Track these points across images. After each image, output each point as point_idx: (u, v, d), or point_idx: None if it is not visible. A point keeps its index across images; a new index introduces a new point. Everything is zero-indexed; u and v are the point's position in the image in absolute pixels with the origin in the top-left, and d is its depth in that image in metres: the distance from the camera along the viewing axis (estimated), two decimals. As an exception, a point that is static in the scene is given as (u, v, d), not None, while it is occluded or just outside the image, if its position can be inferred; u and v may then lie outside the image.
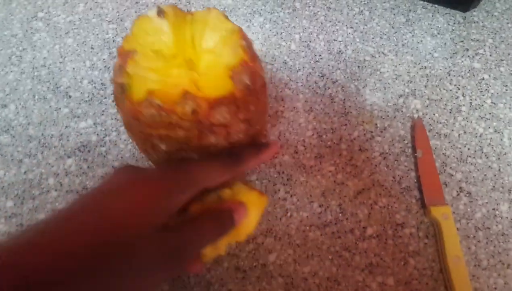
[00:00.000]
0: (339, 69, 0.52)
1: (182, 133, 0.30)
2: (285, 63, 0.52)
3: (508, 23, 0.57)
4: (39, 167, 0.44)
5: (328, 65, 0.53)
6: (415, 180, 0.47)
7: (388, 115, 0.50)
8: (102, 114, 0.48)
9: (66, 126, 0.47)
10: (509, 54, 0.55)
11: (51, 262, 0.23)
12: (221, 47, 0.32)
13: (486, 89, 0.53)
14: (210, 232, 0.30)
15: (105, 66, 0.50)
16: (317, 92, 0.51)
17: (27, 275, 0.22)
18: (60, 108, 0.48)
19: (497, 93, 0.52)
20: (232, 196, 0.34)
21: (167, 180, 0.29)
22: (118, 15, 0.54)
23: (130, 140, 0.46)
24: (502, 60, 0.55)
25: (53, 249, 0.23)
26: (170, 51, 0.32)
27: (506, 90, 0.53)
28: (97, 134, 0.46)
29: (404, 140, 0.49)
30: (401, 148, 0.48)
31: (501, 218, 0.46)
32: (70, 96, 0.48)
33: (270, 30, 0.55)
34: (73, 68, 0.50)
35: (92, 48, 0.52)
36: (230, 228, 0.31)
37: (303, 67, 0.52)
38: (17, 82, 0.49)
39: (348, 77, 0.52)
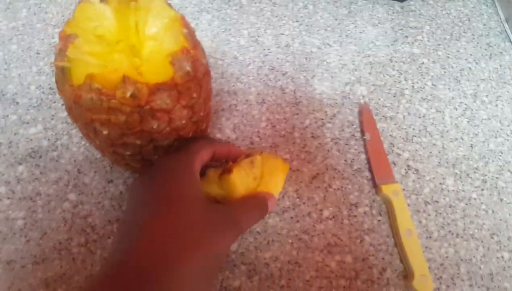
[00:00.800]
0: (288, 61, 0.55)
1: (123, 118, 0.31)
2: (236, 58, 0.54)
3: (442, 10, 0.62)
4: (-11, 176, 0.44)
5: (277, 58, 0.55)
6: (366, 162, 0.50)
7: (336, 103, 0.53)
8: (52, 119, 0.48)
9: (15, 133, 0.46)
10: (445, 39, 0.60)
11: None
12: (163, 34, 0.34)
13: (426, 73, 0.57)
14: (256, 216, 0.37)
15: (53, 71, 0.51)
16: (268, 85, 0.53)
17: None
18: (7, 116, 0.47)
19: (437, 75, 0.57)
20: (262, 161, 0.39)
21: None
22: (63, 19, 0.55)
23: (83, 142, 0.47)
24: (439, 44, 0.59)
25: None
26: (113, 36, 0.34)
27: (445, 72, 0.57)
28: (48, 139, 0.47)
29: (353, 125, 0.52)
30: (350, 132, 0.51)
31: (448, 191, 0.49)
32: (17, 103, 0.48)
33: (218, 27, 0.57)
34: (19, 74, 0.50)
35: (38, 53, 0.52)
36: (265, 213, 0.38)
37: (253, 61, 0.55)
38: (-40, 92, 0.48)
39: (296, 69, 0.55)
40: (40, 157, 0.46)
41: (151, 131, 0.34)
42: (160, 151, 0.37)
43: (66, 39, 0.32)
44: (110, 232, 0.43)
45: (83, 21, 0.34)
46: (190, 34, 0.34)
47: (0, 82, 0.50)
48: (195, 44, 0.34)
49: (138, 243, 0.29)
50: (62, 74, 0.32)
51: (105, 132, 0.33)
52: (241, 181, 0.36)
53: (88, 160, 0.46)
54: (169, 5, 0.35)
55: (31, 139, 0.47)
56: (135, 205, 0.33)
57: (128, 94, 0.30)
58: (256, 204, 0.37)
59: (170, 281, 0.28)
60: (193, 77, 0.34)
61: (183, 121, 0.35)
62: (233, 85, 0.53)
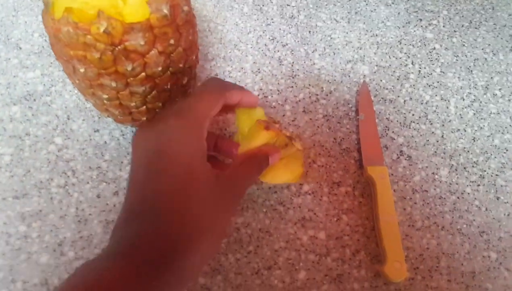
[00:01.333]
0: (290, 33, 0.55)
1: (97, 55, 0.32)
2: (237, 25, 0.55)
3: (464, -4, 0.59)
4: (-15, 113, 0.47)
5: (280, 29, 0.55)
6: (356, 142, 0.49)
7: (335, 80, 0.52)
8: (50, 66, 0.50)
9: (14, 76, 0.49)
10: (462, 26, 0.57)
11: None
12: None
13: (436, 59, 0.55)
14: (255, 172, 0.37)
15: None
16: (266, 55, 0.53)
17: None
18: (9, 59, 0.50)
19: (447, 63, 0.54)
20: (291, 155, 0.40)
21: (181, 119, 0.32)
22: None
23: (76, 91, 0.48)
24: (455, 31, 0.57)
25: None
26: None
27: (457, 60, 0.55)
28: (44, 84, 0.49)
29: (348, 104, 0.51)
30: (344, 111, 0.50)
31: (440, 182, 0.48)
32: (20, 48, 0.51)
33: (224, -8, 0.57)
34: (25, 22, 0.53)
35: (46, 3, 0.54)
36: (265, 167, 0.38)
37: (254, 29, 0.55)
38: (-31, 32, 0.51)
39: (298, 41, 0.54)
40: (34, 100, 0.48)
41: (125, 73, 0.35)
42: (137, 97, 0.38)
43: None
44: (90, 177, 0.45)
45: None
46: None
47: (7, 27, 0.52)
48: None
49: (152, 227, 0.29)
50: (47, 9, 0.34)
51: (81, 70, 0.35)
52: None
53: (78, 107, 0.48)
54: None
55: (28, 83, 0.49)
56: (144, 168, 0.32)
57: (101, 30, 0.31)
58: (258, 167, 0.37)
59: (183, 266, 0.29)
60: (171, 22, 0.34)
61: (159, 68, 0.36)
62: (230, 52, 0.53)
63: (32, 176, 0.45)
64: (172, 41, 0.35)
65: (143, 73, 0.35)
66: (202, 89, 0.35)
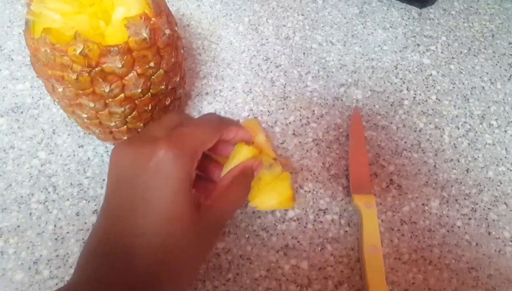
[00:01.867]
0: (284, 54, 0.54)
1: (74, 76, 0.31)
2: (231, 44, 0.54)
3: (464, 22, 0.59)
4: (-29, 123, 0.47)
5: (274, 49, 0.54)
6: (345, 168, 0.48)
7: (327, 103, 0.51)
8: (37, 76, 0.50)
9: (4, 87, 0.49)
10: (461, 53, 0.56)
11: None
12: (130, 1, 0.34)
13: (432, 85, 0.54)
14: (242, 193, 0.36)
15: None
16: (258, 75, 0.52)
17: None
18: (0, 70, 0.50)
19: (444, 90, 0.53)
20: (277, 178, 0.40)
21: (171, 149, 0.29)
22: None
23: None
24: (453, 58, 0.56)
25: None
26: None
27: (453, 87, 0.54)
28: (32, 97, 0.49)
29: (339, 128, 0.50)
30: (335, 135, 0.49)
31: (430, 213, 0.46)
32: (12, 59, 0.51)
33: (220, 10, 0.57)
34: (19, 33, 0.53)
35: (40, 15, 0.54)
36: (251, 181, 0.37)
37: (248, 49, 0.54)
38: (-37, 42, 0.51)
39: (292, 63, 0.54)
40: (22, 112, 0.48)
41: (103, 94, 0.34)
42: (116, 117, 0.38)
43: None
44: (70, 194, 0.44)
45: None
46: (155, 2, 0.34)
47: (1, 38, 0.53)
48: (159, 12, 0.34)
49: (132, 262, 0.28)
50: (27, 27, 0.34)
51: (59, 89, 0.35)
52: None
53: (64, 122, 0.48)
54: None
55: (17, 95, 0.49)
56: (121, 195, 0.30)
57: (78, 52, 0.31)
58: (245, 185, 0.36)
59: None
60: (151, 45, 0.34)
61: (139, 90, 0.36)
62: (222, 71, 0.53)
63: (13, 190, 0.44)
64: (152, 64, 0.35)
65: (122, 95, 0.35)
66: (199, 121, 0.33)
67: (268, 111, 0.51)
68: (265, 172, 0.40)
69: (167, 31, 0.35)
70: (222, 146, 0.37)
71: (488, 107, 0.53)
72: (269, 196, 0.41)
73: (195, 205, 0.30)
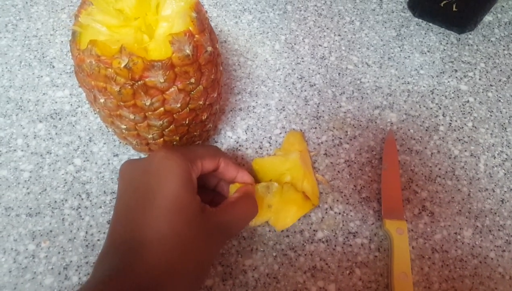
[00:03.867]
0: (319, 73, 0.54)
1: (117, 88, 0.32)
2: (266, 61, 0.55)
3: (504, 50, 0.58)
4: (12, 127, 0.48)
5: (309, 68, 0.55)
6: (377, 192, 0.47)
7: (360, 125, 0.51)
8: (79, 87, 0.51)
9: (44, 93, 0.50)
10: (499, 81, 0.55)
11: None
12: (175, 17, 0.35)
13: (469, 112, 0.53)
14: (247, 212, 0.38)
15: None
16: (292, 93, 0.53)
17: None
18: (42, 76, 0.52)
19: (480, 117, 0.52)
20: (281, 192, 0.43)
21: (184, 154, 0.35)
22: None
23: (100, 113, 0.49)
24: (491, 85, 0.55)
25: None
26: (131, 13, 0.36)
27: (491, 115, 0.53)
28: (71, 104, 0.50)
29: (372, 151, 0.50)
30: (368, 158, 0.49)
31: (462, 243, 0.45)
32: (53, 66, 0.53)
33: (257, 28, 0.57)
34: (62, 41, 0.54)
35: (83, 25, 0.56)
36: (256, 212, 0.39)
37: (283, 67, 0.54)
38: (8, 48, 0.54)
39: (327, 82, 0.54)
40: (60, 119, 0.49)
41: (144, 107, 0.35)
42: (154, 130, 0.38)
43: (82, 5, 0.34)
44: (103, 202, 0.45)
45: None
46: (199, 19, 0.35)
47: (43, 46, 0.54)
48: (203, 30, 0.35)
49: (137, 261, 0.30)
50: (73, 38, 0.35)
51: (101, 100, 0.35)
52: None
53: (101, 130, 0.49)
54: None
55: (56, 102, 0.50)
56: (129, 198, 0.34)
57: (122, 65, 0.32)
58: (247, 206, 0.38)
59: None
60: (193, 61, 0.34)
61: (178, 105, 0.36)
62: (256, 87, 0.53)
63: (48, 194, 0.45)
64: (193, 80, 0.35)
65: (162, 108, 0.36)
66: (200, 145, 0.39)
67: (301, 130, 0.51)
68: (269, 195, 0.43)
69: (209, 48, 0.36)
70: (226, 188, 0.42)
71: (527, 137, 0.52)
72: (285, 210, 0.44)
73: (199, 204, 0.34)
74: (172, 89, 0.35)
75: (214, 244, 0.35)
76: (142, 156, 0.48)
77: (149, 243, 0.30)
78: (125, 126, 0.38)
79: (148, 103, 0.35)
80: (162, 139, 0.40)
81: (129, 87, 0.33)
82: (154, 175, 0.33)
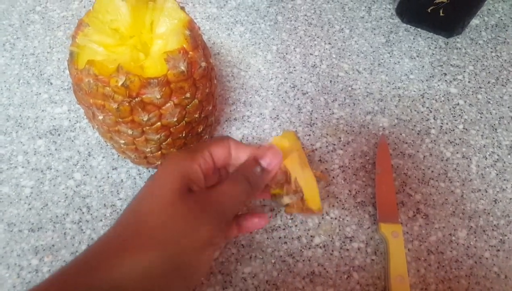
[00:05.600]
0: (311, 82, 0.55)
1: (115, 105, 0.33)
2: (259, 71, 0.56)
3: (492, 52, 0.59)
4: (12, 144, 0.49)
5: (301, 77, 0.56)
6: (372, 196, 0.48)
7: (353, 131, 0.52)
8: (77, 103, 0.52)
9: (43, 110, 0.52)
10: (488, 82, 0.57)
11: None
12: (169, 34, 0.36)
13: (459, 115, 0.54)
14: (241, 192, 0.33)
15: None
16: (285, 102, 0.54)
17: None
18: (40, 93, 0.53)
19: (471, 119, 0.54)
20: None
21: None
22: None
23: (98, 128, 0.50)
24: (480, 87, 0.56)
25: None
26: (127, 31, 0.37)
27: (481, 117, 0.54)
28: (69, 120, 0.51)
29: (366, 156, 0.51)
30: (361, 163, 0.50)
31: (457, 244, 0.46)
32: (51, 83, 0.54)
33: (249, 39, 0.59)
34: (59, 59, 0.56)
35: (79, 42, 0.57)
36: (262, 175, 0.34)
37: (276, 77, 0.56)
38: (6, 66, 0.55)
39: (319, 90, 0.55)
40: (59, 134, 0.51)
41: (141, 123, 0.36)
42: (152, 144, 0.39)
43: (78, 27, 0.36)
44: (103, 215, 0.46)
45: (102, 13, 0.37)
46: (193, 37, 0.36)
47: (41, 63, 0.56)
48: (196, 46, 0.36)
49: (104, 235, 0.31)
50: (71, 58, 0.36)
51: (100, 117, 0.36)
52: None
53: (99, 145, 0.50)
54: (182, 8, 0.38)
55: (55, 118, 0.52)
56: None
57: (120, 83, 0.33)
58: (235, 186, 0.34)
59: (118, 270, 0.28)
60: (188, 77, 0.36)
61: (174, 119, 0.37)
62: (250, 97, 0.54)
63: (49, 209, 0.46)
64: (188, 95, 0.36)
65: (159, 123, 0.37)
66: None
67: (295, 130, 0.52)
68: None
69: (203, 64, 0.37)
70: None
71: (517, 137, 0.53)
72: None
73: (179, 188, 0.32)
74: (168, 104, 0.36)
75: (201, 226, 0.31)
76: (141, 169, 0.49)
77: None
78: (123, 141, 0.39)
79: (145, 118, 0.36)
80: (160, 152, 0.41)
81: (127, 104, 0.34)
82: (148, 185, 0.33)
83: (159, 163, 0.43)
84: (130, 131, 0.37)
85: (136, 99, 0.34)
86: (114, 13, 0.37)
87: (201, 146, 0.35)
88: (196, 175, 0.33)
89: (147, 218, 0.31)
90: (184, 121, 0.39)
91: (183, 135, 0.40)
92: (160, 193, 0.32)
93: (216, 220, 0.32)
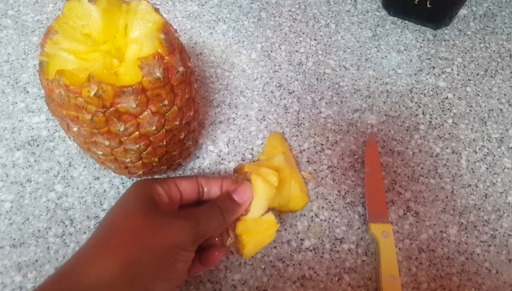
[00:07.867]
0: (297, 80, 0.55)
1: (88, 116, 0.33)
2: (244, 71, 0.56)
3: (481, 43, 0.59)
4: (-11, 157, 0.49)
5: (287, 75, 0.56)
6: (361, 196, 0.49)
7: (341, 129, 0.52)
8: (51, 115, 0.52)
9: (20, 120, 0.51)
10: (477, 75, 0.57)
11: None
12: (143, 39, 0.35)
13: (448, 109, 0.54)
14: (214, 217, 0.37)
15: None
16: (272, 102, 0.54)
17: None
18: (16, 103, 0.52)
19: (460, 113, 0.54)
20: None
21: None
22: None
23: (78, 137, 0.50)
24: (469, 80, 0.56)
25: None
26: (99, 36, 0.36)
27: (470, 110, 0.54)
28: (48, 129, 0.51)
29: (354, 155, 0.51)
30: (350, 162, 0.50)
31: (448, 241, 0.47)
32: (27, 92, 0.53)
33: (232, 38, 0.58)
34: (34, 65, 0.55)
35: (55, 47, 0.56)
36: (234, 208, 0.38)
37: (261, 76, 0.55)
38: (-20, 75, 0.54)
39: (305, 89, 0.55)
40: (38, 145, 0.50)
41: (118, 133, 0.36)
42: (131, 154, 0.39)
43: (47, 34, 0.35)
44: (87, 227, 0.46)
45: (72, 18, 0.36)
46: (168, 40, 0.35)
47: (16, 71, 0.55)
48: (172, 50, 0.36)
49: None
50: (41, 68, 0.35)
51: (75, 129, 0.36)
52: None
53: (80, 154, 0.50)
54: (157, 10, 0.37)
55: (33, 128, 0.51)
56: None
57: (92, 93, 0.32)
58: (215, 207, 0.38)
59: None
60: (165, 83, 0.35)
61: (153, 128, 0.37)
62: (235, 99, 0.54)
63: (31, 224, 0.46)
64: (166, 102, 0.36)
65: (137, 133, 0.36)
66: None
67: (282, 131, 0.52)
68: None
69: (181, 69, 0.36)
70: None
71: (506, 130, 0.54)
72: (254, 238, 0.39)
73: (148, 205, 0.36)
74: (146, 113, 0.35)
75: (169, 229, 0.34)
76: (124, 178, 0.48)
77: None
78: (101, 153, 0.39)
79: (122, 129, 0.35)
80: (140, 162, 0.41)
81: (101, 114, 0.34)
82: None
83: (141, 172, 0.43)
84: (107, 143, 0.37)
85: (111, 109, 0.34)
86: (85, 18, 0.37)
87: (168, 178, 0.39)
88: (159, 196, 0.37)
89: (114, 227, 0.35)
90: (164, 130, 0.38)
91: (164, 143, 0.40)
92: (124, 209, 0.36)
93: (187, 229, 0.35)
